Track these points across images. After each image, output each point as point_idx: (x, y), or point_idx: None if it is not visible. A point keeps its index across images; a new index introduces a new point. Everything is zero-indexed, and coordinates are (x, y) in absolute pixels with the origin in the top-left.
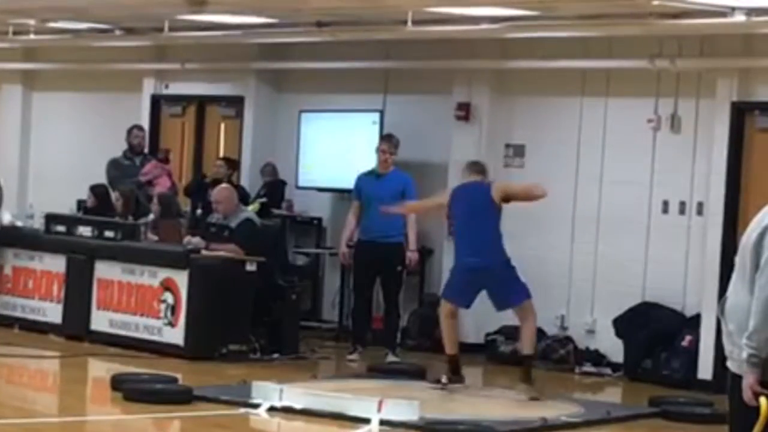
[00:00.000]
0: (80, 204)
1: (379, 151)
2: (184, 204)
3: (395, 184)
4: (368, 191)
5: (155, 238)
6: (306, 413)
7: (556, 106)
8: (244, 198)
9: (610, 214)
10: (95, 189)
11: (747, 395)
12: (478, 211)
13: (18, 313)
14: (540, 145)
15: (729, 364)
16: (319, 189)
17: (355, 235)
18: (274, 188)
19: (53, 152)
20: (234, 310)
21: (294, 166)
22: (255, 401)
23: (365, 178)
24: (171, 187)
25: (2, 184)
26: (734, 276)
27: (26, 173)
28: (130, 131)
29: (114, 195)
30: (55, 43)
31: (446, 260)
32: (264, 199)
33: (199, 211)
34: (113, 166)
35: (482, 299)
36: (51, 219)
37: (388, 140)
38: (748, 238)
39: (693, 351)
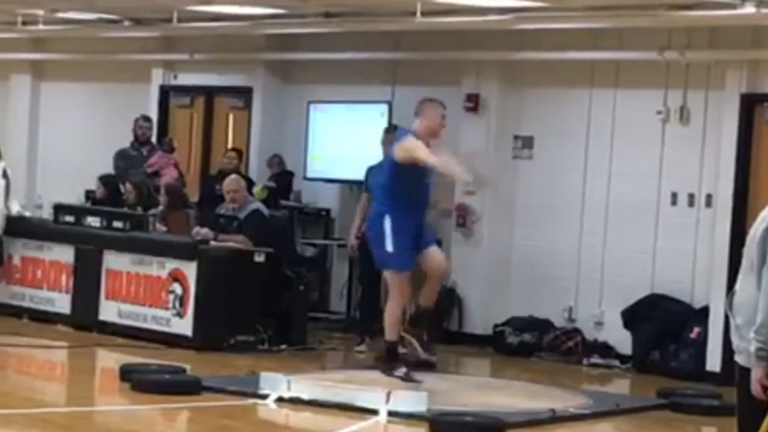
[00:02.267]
0: (88, 194)
1: (383, 143)
2: (192, 195)
3: None
4: (375, 183)
5: (164, 228)
6: (314, 404)
7: (565, 97)
8: (251, 189)
9: (619, 205)
10: (104, 179)
11: (755, 389)
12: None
13: (27, 304)
14: (549, 136)
15: (737, 357)
16: (327, 180)
17: (363, 226)
18: (282, 179)
19: (61, 142)
20: (242, 301)
21: (302, 157)
22: (263, 392)
23: (373, 171)
24: (178, 177)
25: (10, 174)
26: (741, 270)
27: (35, 163)
28: (135, 122)
29: (126, 186)
30: (63, 33)
31: (455, 252)
32: (271, 184)
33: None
34: (121, 156)
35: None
36: (59, 209)
37: (391, 132)
38: (754, 232)
39: (701, 343)
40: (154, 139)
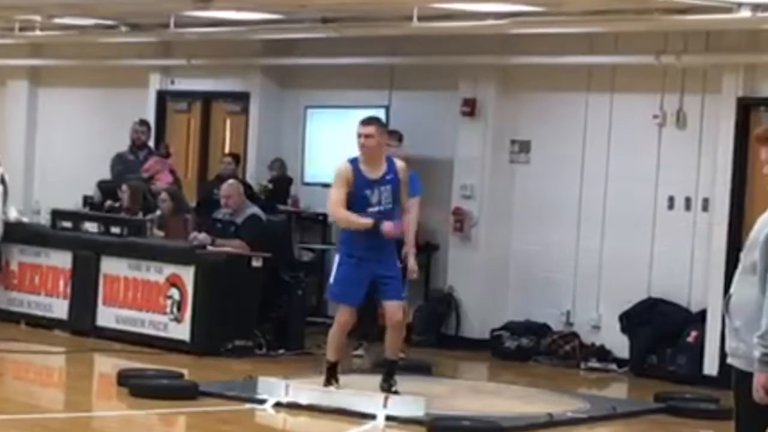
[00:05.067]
0: (86, 200)
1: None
2: (190, 200)
3: None
4: None
5: (161, 234)
6: (312, 409)
7: (561, 101)
8: (249, 194)
9: (616, 209)
10: (102, 185)
11: (760, 395)
12: None
13: (24, 309)
14: (545, 140)
15: (733, 360)
16: (324, 185)
17: None
18: (281, 184)
19: (59, 148)
20: (240, 306)
21: (299, 162)
22: (261, 397)
23: None
24: (173, 182)
25: (8, 180)
26: (738, 272)
27: (32, 169)
28: (132, 126)
29: (122, 188)
30: (61, 39)
31: (453, 256)
32: (268, 184)
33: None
34: (118, 160)
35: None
36: (57, 215)
37: (390, 136)
38: (757, 234)
39: (698, 346)
40: (151, 143)
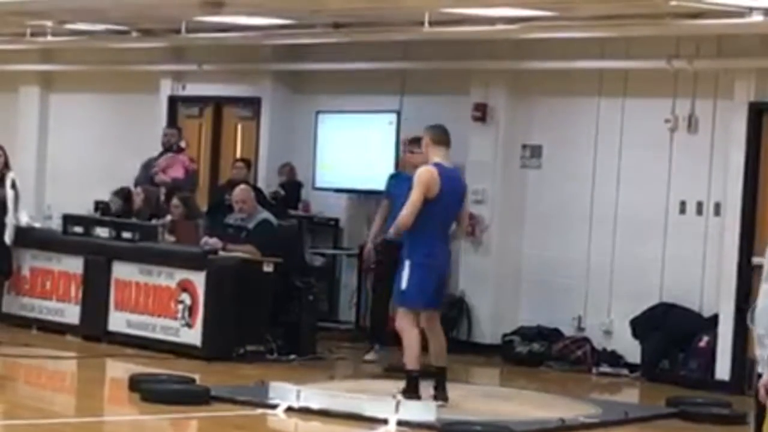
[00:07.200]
0: (98, 205)
1: (406, 152)
2: (201, 204)
3: None
4: (394, 191)
5: (172, 239)
6: (323, 414)
7: (573, 106)
8: (261, 199)
9: (628, 214)
10: (120, 193)
11: (761, 394)
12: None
13: (36, 314)
14: (557, 145)
15: (761, 368)
16: (335, 190)
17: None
18: (291, 189)
19: (70, 153)
20: (251, 311)
21: (311, 167)
22: (272, 402)
23: (393, 178)
24: (183, 177)
25: (19, 185)
26: (762, 280)
27: (44, 174)
28: (162, 130)
29: (136, 189)
30: (72, 44)
31: (465, 261)
32: (280, 190)
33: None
34: (144, 165)
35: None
36: (68, 220)
37: (414, 142)
38: None
39: (710, 351)
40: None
